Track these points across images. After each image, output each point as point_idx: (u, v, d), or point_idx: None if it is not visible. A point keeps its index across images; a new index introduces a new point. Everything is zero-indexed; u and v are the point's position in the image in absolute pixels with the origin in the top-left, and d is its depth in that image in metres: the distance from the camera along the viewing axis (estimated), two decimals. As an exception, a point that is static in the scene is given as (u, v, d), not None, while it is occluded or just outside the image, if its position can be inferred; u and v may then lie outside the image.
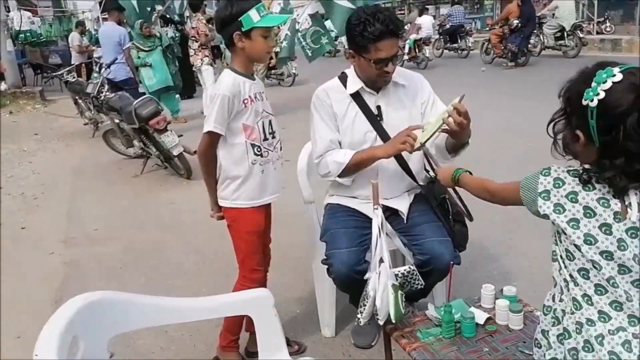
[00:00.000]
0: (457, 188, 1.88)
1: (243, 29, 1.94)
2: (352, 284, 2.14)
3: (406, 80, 2.25)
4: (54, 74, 10.22)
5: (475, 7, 26.66)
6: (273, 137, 2.14)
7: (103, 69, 7.29)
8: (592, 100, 1.14)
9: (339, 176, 2.22)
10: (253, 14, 1.92)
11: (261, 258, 2.21)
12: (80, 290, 3.14)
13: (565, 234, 1.25)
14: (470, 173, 1.71)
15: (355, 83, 2.22)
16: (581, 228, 1.21)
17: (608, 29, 17.13)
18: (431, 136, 1.91)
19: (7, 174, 6.14)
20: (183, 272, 3.37)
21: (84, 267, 3.56)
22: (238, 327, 2.25)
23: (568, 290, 1.28)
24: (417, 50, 13.73)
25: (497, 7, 24.99)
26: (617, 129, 1.11)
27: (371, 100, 2.22)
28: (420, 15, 15.21)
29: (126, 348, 2.53)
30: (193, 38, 7.30)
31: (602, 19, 17.55)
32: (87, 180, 5.82)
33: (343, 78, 2.28)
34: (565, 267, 1.28)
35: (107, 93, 6.51)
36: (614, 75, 1.13)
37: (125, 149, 6.29)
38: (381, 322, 1.79)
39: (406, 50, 13.58)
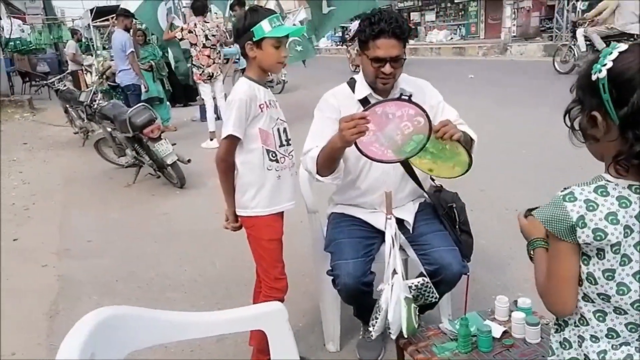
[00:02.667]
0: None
1: (254, 39, 1.99)
2: (358, 296, 2.11)
3: (413, 87, 2.23)
4: (44, 82, 10.12)
5: (460, 13, 26.88)
6: (288, 144, 2.14)
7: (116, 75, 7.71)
8: (600, 72, 1.09)
9: (319, 174, 2.11)
10: (265, 24, 1.97)
11: (283, 266, 2.18)
12: (76, 305, 3.11)
13: (601, 257, 1.16)
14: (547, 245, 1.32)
15: (363, 89, 2.20)
16: (621, 251, 1.14)
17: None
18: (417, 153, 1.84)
19: (-3, 185, 6.04)
20: (180, 285, 3.30)
21: (79, 280, 3.47)
22: (267, 345, 2.21)
23: (576, 306, 1.23)
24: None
25: (482, 14, 25.29)
26: (633, 96, 1.05)
27: None
28: None
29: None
30: (194, 45, 7.17)
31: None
32: (78, 190, 5.73)
33: (352, 83, 2.26)
34: (583, 287, 1.21)
35: (101, 101, 6.45)
36: (619, 46, 1.10)
37: (117, 158, 6.21)
38: (393, 337, 1.75)
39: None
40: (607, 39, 9.44)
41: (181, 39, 7.22)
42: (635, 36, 9.24)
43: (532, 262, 1.36)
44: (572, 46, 10.59)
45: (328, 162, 2.04)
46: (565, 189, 1.17)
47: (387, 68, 2.05)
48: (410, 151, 1.83)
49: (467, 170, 1.87)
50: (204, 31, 7.04)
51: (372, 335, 1.82)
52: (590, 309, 1.21)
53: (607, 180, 1.15)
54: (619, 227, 1.12)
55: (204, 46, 7.06)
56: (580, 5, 16.21)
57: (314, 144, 2.14)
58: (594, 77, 1.11)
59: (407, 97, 1.83)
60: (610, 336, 1.19)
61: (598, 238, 1.12)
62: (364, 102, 2.19)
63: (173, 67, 8.98)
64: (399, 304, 1.73)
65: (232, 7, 7.64)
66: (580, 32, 10.18)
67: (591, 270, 1.18)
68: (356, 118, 1.74)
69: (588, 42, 9.99)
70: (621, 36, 9.38)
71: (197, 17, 7.12)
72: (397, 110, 1.76)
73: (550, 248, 1.24)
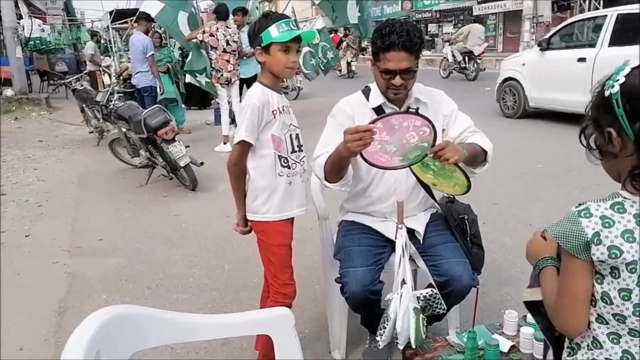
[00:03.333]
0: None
1: (262, 44, 2.00)
2: (365, 304, 2.09)
3: (427, 97, 2.22)
4: (62, 81, 10.29)
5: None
6: (300, 151, 2.15)
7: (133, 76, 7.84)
8: (612, 87, 1.10)
9: (327, 180, 2.12)
10: (272, 29, 1.98)
11: (292, 272, 2.18)
12: (85, 302, 3.14)
13: (616, 276, 1.13)
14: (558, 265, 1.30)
15: (377, 97, 2.19)
16: (637, 270, 1.11)
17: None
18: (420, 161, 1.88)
19: (12, 180, 6.11)
20: (188, 287, 3.31)
21: (88, 278, 3.49)
22: (272, 350, 2.21)
23: (589, 328, 1.20)
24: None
25: (500, 27, 25.21)
26: None
27: None
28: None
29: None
30: (214, 48, 7.20)
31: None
32: (91, 188, 5.78)
33: (366, 92, 2.26)
34: (597, 308, 1.19)
35: (117, 102, 6.52)
36: (631, 62, 1.10)
37: (130, 158, 6.27)
38: (401, 347, 1.74)
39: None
40: (464, 54, 14.60)
41: (201, 41, 7.27)
42: (478, 54, 14.31)
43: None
44: (446, 58, 15.48)
45: (335, 169, 2.04)
46: (580, 204, 1.16)
47: (397, 80, 2.04)
48: (414, 158, 1.84)
49: (466, 191, 1.91)
50: (225, 36, 7.10)
51: (379, 345, 1.80)
52: (604, 331, 1.18)
53: (624, 197, 1.13)
54: (635, 246, 1.10)
55: (224, 51, 7.11)
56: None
57: (323, 150, 2.14)
58: (607, 93, 1.11)
59: (414, 110, 1.84)
60: (625, 358, 1.16)
61: (613, 256, 1.10)
62: (378, 110, 2.19)
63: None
64: (408, 314, 1.72)
65: (234, 13, 7.67)
66: (447, 48, 15.41)
67: (606, 290, 1.15)
68: (361, 131, 1.73)
69: (453, 56, 14.84)
70: (470, 53, 14.42)
71: (220, 22, 7.18)
72: (403, 121, 1.78)
73: (562, 265, 1.22)
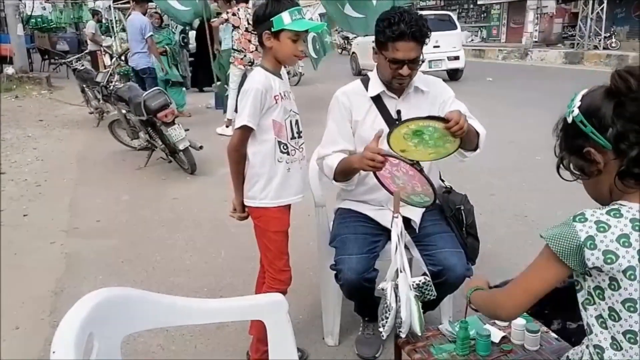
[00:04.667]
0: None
1: (273, 29, 1.97)
2: (359, 291, 2.11)
3: (427, 86, 2.22)
4: (63, 60, 10.22)
5: (482, 15, 26.65)
6: (299, 137, 2.15)
7: (129, 57, 7.78)
8: (573, 112, 1.17)
9: (335, 180, 2.20)
10: (285, 16, 1.95)
11: (288, 258, 2.19)
12: (81, 283, 3.15)
13: (615, 288, 1.10)
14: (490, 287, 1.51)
15: (376, 86, 2.19)
16: (637, 276, 1.08)
17: (613, 45, 17.27)
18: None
19: (11, 159, 6.11)
20: (184, 270, 3.32)
21: (85, 259, 3.51)
22: (266, 335, 2.23)
23: (601, 357, 1.16)
24: None
25: (504, 18, 25.04)
26: (609, 115, 1.11)
27: (391, 104, 2.19)
28: None
29: (126, 346, 2.47)
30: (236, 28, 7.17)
31: (608, 34, 17.69)
32: (90, 169, 5.78)
33: (365, 81, 2.25)
34: (606, 328, 1.14)
35: (117, 83, 6.50)
36: (581, 91, 1.20)
37: (130, 140, 6.27)
38: (403, 335, 1.74)
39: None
40: None
41: (226, 20, 7.22)
42: None
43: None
44: None
45: (346, 175, 2.16)
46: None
47: (405, 70, 2.04)
48: (416, 202, 2.00)
49: (440, 158, 1.96)
50: (246, 16, 7.05)
51: (382, 335, 1.81)
52: (620, 358, 1.13)
53: (621, 204, 1.14)
54: (632, 251, 1.08)
55: (247, 30, 7.06)
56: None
57: (329, 148, 2.20)
58: (570, 120, 1.18)
59: (420, 168, 1.88)
60: None
61: (609, 261, 1.08)
62: (377, 99, 2.18)
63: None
64: (409, 303, 1.73)
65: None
66: None
67: (610, 304, 1.12)
68: (378, 159, 1.84)
69: None
70: None
71: (240, 4, 7.14)
72: (410, 170, 1.86)
73: (534, 262, 1.22)
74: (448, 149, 1.88)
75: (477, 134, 2.11)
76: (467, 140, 2.03)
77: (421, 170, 1.87)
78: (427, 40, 2.05)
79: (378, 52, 2.10)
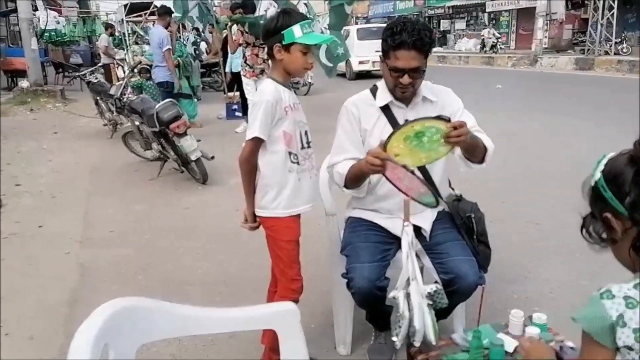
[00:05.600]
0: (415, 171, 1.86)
1: (283, 42, 2.01)
2: (371, 300, 2.10)
3: (435, 95, 2.23)
4: (77, 74, 10.36)
5: (491, 22, 26.62)
6: (309, 147, 2.17)
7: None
8: (596, 176, 1.17)
9: (346, 187, 2.22)
10: (296, 29, 1.99)
11: (300, 267, 2.20)
12: (95, 293, 3.18)
13: None
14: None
15: (385, 95, 2.21)
16: None
17: (625, 50, 17.14)
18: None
19: (27, 171, 6.19)
20: (197, 279, 3.34)
21: (99, 269, 3.54)
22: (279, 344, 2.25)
23: None
24: None
25: (513, 24, 24.99)
26: (629, 184, 1.11)
27: (400, 114, 2.20)
28: None
29: (139, 355, 2.50)
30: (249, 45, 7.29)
31: (619, 39, 17.57)
32: (104, 181, 5.84)
33: (374, 90, 2.27)
34: None
35: (130, 95, 6.58)
36: (607, 155, 1.19)
37: (143, 151, 6.32)
38: (417, 344, 1.74)
39: None
40: None
41: (247, 43, 7.30)
42: None
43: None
44: None
45: (356, 181, 2.16)
46: (601, 288, 1.13)
47: (406, 79, 2.06)
48: (427, 202, 1.96)
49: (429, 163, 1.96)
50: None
51: (396, 345, 1.81)
52: None
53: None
54: None
55: (254, 45, 7.16)
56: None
57: (340, 157, 2.21)
58: (592, 183, 1.18)
59: (411, 170, 1.85)
60: None
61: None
62: (385, 109, 2.20)
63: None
64: (422, 311, 1.73)
65: (232, 9, 7.72)
66: None
67: None
68: (377, 163, 1.83)
69: None
70: None
71: (248, 16, 7.22)
72: (408, 173, 1.83)
73: (582, 349, 1.16)
74: (440, 153, 1.87)
75: (485, 147, 2.11)
76: (473, 150, 2.04)
77: (413, 172, 1.86)
78: (430, 50, 2.06)
79: (383, 60, 2.13)
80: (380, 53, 2.15)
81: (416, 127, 1.78)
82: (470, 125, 2.19)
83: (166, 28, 7.98)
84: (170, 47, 7.86)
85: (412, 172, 1.84)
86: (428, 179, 2.21)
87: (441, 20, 28.98)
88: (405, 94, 2.13)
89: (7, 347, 2.65)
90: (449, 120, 1.80)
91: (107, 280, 3.36)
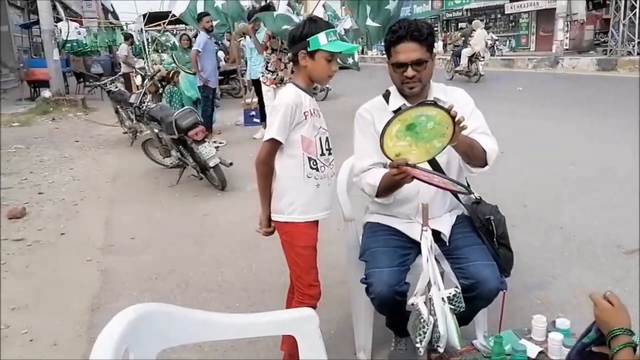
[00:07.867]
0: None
1: (309, 49, 2.03)
2: (391, 305, 2.08)
3: (447, 96, 2.22)
4: (97, 83, 10.54)
5: (510, 25, 26.37)
6: (329, 154, 2.16)
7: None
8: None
9: (377, 197, 2.21)
10: (321, 37, 2.01)
11: (317, 273, 2.19)
12: (116, 299, 3.21)
13: None
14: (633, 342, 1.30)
15: (397, 99, 2.21)
16: None
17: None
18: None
19: (49, 180, 6.29)
20: (217, 286, 3.36)
21: (120, 276, 3.58)
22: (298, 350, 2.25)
23: None
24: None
25: (533, 26, 24.71)
26: None
27: None
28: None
29: (160, 360, 2.52)
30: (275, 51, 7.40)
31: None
32: (124, 188, 5.92)
33: (386, 95, 2.27)
34: None
35: (149, 103, 6.66)
36: None
37: (162, 158, 6.40)
38: (442, 349, 1.72)
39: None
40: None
41: (272, 49, 7.37)
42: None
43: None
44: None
45: (389, 191, 2.15)
46: None
47: (409, 71, 2.06)
48: (459, 187, 1.92)
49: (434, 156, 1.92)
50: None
51: (420, 351, 1.79)
52: None
53: None
54: None
55: (279, 50, 7.22)
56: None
57: (365, 163, 2.20)
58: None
59: (414, 165, 1.85)
60: None
61: None
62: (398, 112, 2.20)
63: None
64: (445, 317, 1.71)
65: (249, 17, 7.83)
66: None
67: None
68: (395, 173, 1.85)
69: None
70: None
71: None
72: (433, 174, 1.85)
73: None
74: (438, 147, 1.85)
75: (484, 150, 2.08)
76: (471, 153, 2.02)
77: (441, 175, 1.87)
78: (432, 42, 2.08)
79: (388, 63, 2.15)
80: (386, 56, 2.18)
81: (408, 119, 1.74)
82: (476, 127, 2.17)
83: (209, 32, 8.11)
84: (199, 50, 7.88)
85: (416, 167, 1.83)
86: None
87: (459, 23, 28.81)
88: (413, 89, 2.12)
89: (32, 354, 2.69)
90: (434, 104, 1.79)
91: (128, 287, 3.39)
